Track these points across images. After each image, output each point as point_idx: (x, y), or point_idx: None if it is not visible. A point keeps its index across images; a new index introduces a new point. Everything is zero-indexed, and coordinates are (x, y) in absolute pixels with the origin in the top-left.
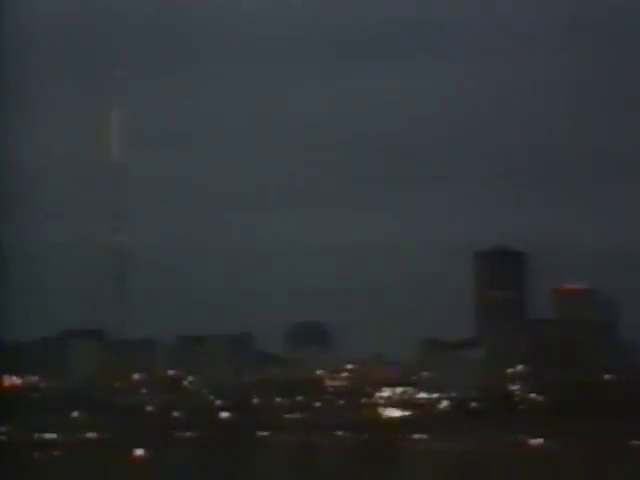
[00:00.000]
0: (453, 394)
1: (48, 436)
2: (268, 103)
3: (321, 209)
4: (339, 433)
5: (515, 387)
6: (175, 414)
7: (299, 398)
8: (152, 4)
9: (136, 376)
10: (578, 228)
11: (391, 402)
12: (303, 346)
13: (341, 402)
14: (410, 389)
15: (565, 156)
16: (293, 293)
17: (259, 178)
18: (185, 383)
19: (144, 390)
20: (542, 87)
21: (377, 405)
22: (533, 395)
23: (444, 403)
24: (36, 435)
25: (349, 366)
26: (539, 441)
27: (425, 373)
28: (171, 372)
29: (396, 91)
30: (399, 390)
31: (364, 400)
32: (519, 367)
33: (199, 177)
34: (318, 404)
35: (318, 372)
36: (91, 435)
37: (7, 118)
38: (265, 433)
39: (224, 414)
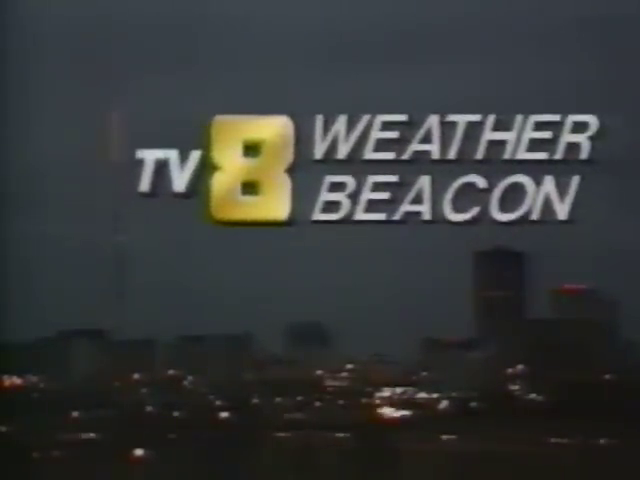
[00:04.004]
0: (453, 394)
1: (48, 436)
2: None
3: None
4: (339, 433)
5: (515, 387)
6: (175, 414)
7: (299, 398)
8: None
9: (136, 376)
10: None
11: (391, 402)
12: (303, 346)
13: (341, 402)
14: (410, 389)
15: None
16: (293, 292)
17: None
18: (185, 383)
19: (144, 390)
20: None
21: (377, 405)
22: (533, 395)
23: (444, 403)
24: (35, 435)
25: (349, 366)
26: (538, 441)
27: (425, 373)
28: (171, 372)
29: None
30: (399, 390)
31: (364, 400)
32: (519, 367)
33: None
34: (318, 404)
35: (318, 372)
36: (91, 435)
37: (7, 117)
38: (265, 433)
39: (224, 414)
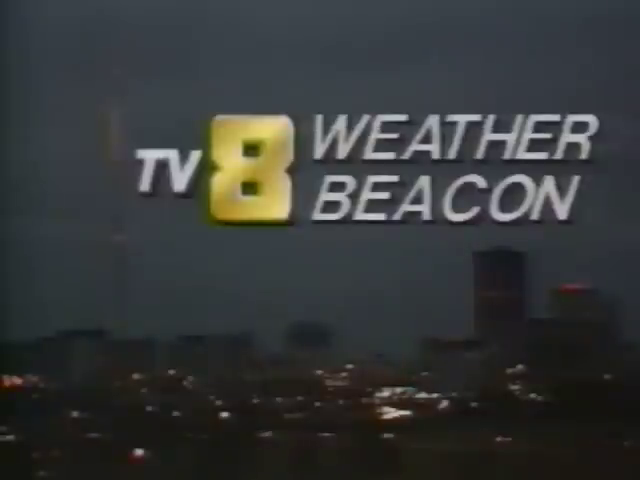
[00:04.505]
0: (453, 394)
1: (48, 436)
2: None
3: None
4: (339, 433)
5: (515, 387)
6: (175, 414)
7: (299, 398)
8: None
9: (136, 376)
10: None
11: (391, 402)
12: (303, 346)
13: (341, 402)
14: (410, 389)
15: None
16: (293, 292)
17: None
18: (185, 383)
19: (144, 390)
20: None
21: (377, 405)
22: (533, 395)
23: (444, 403)
24: (36, 435)
25: (349, 366)
26: (537, 441)
27: (425, 373)
28: (171, 372)
29: None
30: (399, 390)
31: (364, 400)
32: (519, 367)
33: None
34: (318, 404)
35: (318, 372)
36: (90, 435)
37: (7, 117)
38: (265, 433)
39: (224, 414)
